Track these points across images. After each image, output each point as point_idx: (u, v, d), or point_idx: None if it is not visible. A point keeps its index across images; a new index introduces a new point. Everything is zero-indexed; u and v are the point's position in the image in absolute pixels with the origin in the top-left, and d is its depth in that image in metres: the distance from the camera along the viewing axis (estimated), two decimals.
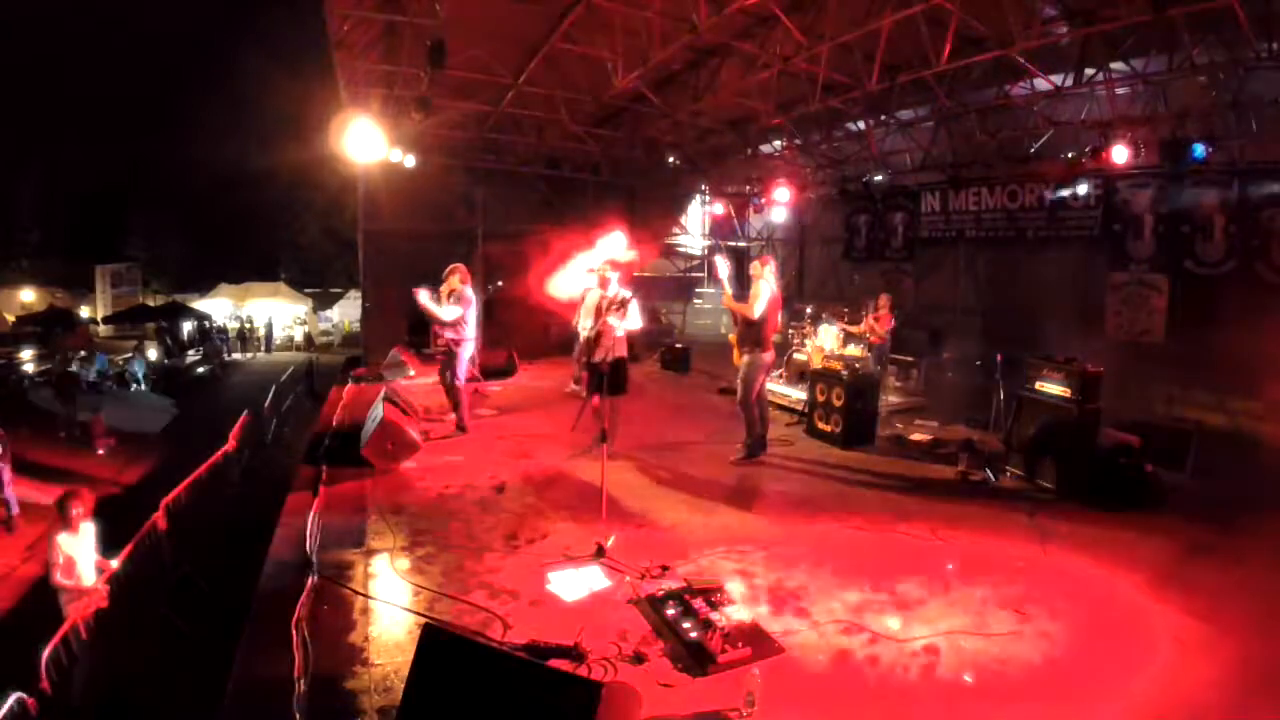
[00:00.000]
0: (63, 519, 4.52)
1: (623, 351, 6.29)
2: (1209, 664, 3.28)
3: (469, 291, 7.01)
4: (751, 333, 6.13)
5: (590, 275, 8.40)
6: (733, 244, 15.61)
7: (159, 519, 5.71)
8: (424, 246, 11.39)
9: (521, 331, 11.98)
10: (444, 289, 7.01)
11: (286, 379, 16.80)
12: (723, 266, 6.51)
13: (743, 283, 6.86)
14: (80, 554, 4.53)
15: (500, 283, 10.36)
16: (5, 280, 30.57)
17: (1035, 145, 9.33)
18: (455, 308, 6.83)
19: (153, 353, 21.88)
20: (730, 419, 7.63)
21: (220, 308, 28.99)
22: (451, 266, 7.09)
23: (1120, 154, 7.81)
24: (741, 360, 6.20)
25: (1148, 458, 5.64)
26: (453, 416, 7.31)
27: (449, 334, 7.04)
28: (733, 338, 6.41)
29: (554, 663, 2.96)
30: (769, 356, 6.27)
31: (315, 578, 3.87)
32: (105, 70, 34.01)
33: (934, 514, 5.16)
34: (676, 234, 16.09)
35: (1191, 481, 6.10)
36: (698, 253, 16.22)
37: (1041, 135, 9.21)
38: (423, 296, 6.82)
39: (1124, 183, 9.14)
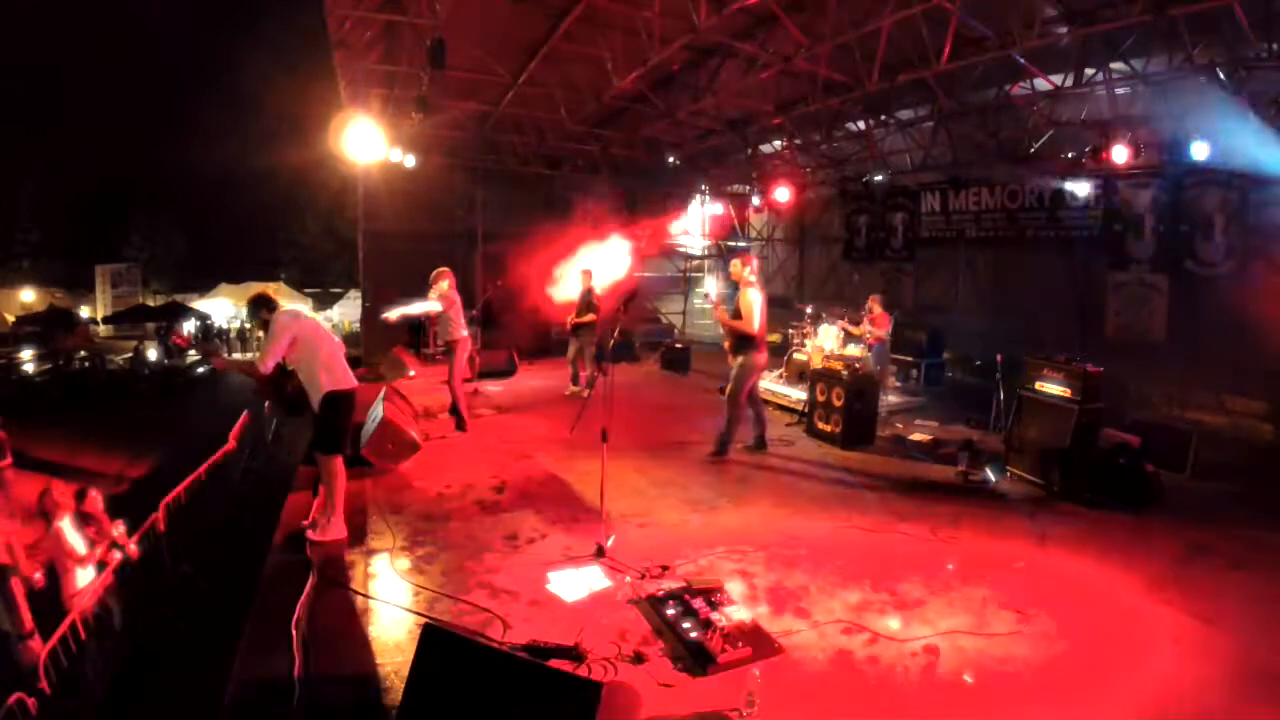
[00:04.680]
0: (51, 512, 4.54)
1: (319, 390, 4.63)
2: (1208, 665, 3.28)
3: (452, 291, 7.20)
4: (746, 338, 6.15)
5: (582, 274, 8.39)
6: (733, 244, 15.60)
7: (159, 519, 5.70)
8: (424, 246, 11.38)
9: (521, 331, 11.99)
10: (433, 294, 7.19)
11: None
12: (713, 286, 6.51)
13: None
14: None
15: (500, 283, 10.38)
16: (5, 280, 30.65)
17: (1035, 145, 9.33)
18: (433, 302, 7.07)
19: (153, 353, 21.87)
20: None
21: (220, 308, 29.00)
22: (439, 270, 7.24)
23: (1120, 154, 7.81)
24: (735, 362, 6.24)
25: (1148, 458, 5.64)
26: (452, 416, 7.32)
27: (446, 335, 7.21)
28: (726, 344, 6.43)
29: (554, 663, 2.96)
30: (763, 358, 6.33)
31: (315, 578, 3.87)
32: (106, 70, 34.05)
33: (934, 514, 5.16)
34: (676, 234, 16.10)
35: (1191, 481, 6.10)
36: (698, 253, 16.22)
37: (1041, 135, 9.21)
38: (394, 313, 7.07)
39: (1124, 183, 9.15)
